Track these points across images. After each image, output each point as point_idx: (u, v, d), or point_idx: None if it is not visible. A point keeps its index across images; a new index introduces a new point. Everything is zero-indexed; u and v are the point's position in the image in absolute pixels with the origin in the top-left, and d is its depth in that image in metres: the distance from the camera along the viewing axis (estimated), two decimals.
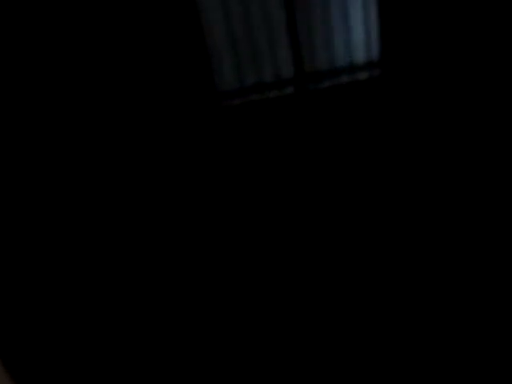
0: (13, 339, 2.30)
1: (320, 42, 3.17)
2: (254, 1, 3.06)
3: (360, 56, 3.21)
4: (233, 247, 3.33)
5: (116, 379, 1.95)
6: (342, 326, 2.13)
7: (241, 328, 2.19)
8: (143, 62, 3.11)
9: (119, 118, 3.22)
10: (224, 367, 1.96)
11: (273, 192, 3.48)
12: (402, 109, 3.24)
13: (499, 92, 3.14)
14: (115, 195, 3.32)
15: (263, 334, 2.13)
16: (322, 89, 3.23)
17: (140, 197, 3.37)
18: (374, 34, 3.13)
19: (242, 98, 3.36)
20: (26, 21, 2.89)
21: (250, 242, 3.35)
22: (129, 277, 2.86)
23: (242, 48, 3.20)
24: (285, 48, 3.20)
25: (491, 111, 3.21)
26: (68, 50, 3.00)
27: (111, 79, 3.12)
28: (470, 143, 3.28)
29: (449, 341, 1.95)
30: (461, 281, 2.34)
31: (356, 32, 3.14)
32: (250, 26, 3.14)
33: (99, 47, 3.02)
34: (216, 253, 3.28)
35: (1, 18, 2.81)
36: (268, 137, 3.36)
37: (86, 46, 3.01)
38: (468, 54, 3.07)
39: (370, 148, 3.36)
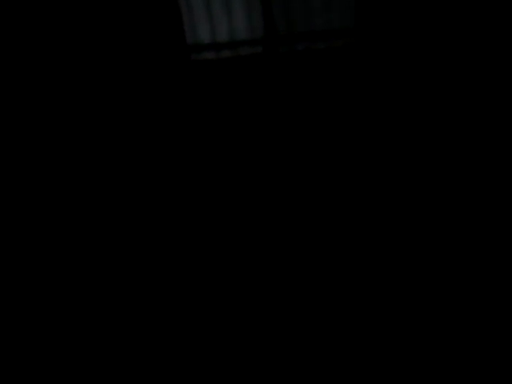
0: (12, 339, 2.32)
1: (296, 3, 3.05)
2: None
3: (336, 22, 3.10)
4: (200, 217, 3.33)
5: (116, 379, 1.99)
6: (341, 326, 2.15)
7: (239, 327, 2.20)
8: (115, 11, 3.00)
9: (94, 73, 3.13)
10: (224, 367, 1.98)
11: (239, 152, 3.45)
12: (376, 78, 3.16)
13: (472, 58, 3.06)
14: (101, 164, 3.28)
15: (262, 333, 2.14)
16: (291, 52, 3.13)
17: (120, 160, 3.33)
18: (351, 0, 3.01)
19: (213, 53, 3.27)
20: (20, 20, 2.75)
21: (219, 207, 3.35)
22: (123, 271, 2.88)
23: (215, 2, 3.08)
24: (258, 6, 3.08)
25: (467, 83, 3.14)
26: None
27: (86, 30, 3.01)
28: (443, 116, 3.23)
29: (447, 341, 1.98)
30: (458, 282, 2.36)
31: None
32: None
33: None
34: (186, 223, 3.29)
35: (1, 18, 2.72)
36: (235, 95, 3.29)
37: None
38: (444, 26, 2.97)
39: (339, 115, 3.30)
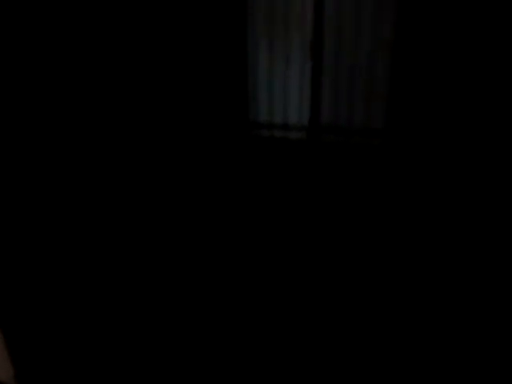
0: (15, 338, 2.47)
1: (341, 99, 3.40)
2: (290, 55, 3.48)
3: (376, 122, 3.33)
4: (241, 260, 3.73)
5: (116, 379, 2.10)
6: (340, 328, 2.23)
7: (240, 329, 2.32)
8: (189, 87, 3.79)
9: (155, 133, 3.95)
10: (223, 367, 2.06)
11: (279, 217, 3.78)
12: (401, 180, 3.24)
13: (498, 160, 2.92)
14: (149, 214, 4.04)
15: (262, 335, 2.26)
16: (332, 142, 3.44)
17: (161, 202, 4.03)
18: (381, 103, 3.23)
19: (270, 131, 3.77)
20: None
21: (257, 256, 3.71)
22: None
23: (275, 89, 3.63)
24: (307, 97, 3.52)
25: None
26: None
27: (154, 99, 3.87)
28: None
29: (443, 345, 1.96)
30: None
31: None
32: (284, 75, 3.55)
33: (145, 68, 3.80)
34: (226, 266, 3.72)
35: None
36: (281, 172, 3.70)
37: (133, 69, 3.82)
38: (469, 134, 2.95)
39: (366, 208, 3.42)
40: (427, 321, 2.17)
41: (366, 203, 3.40)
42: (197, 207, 4.00)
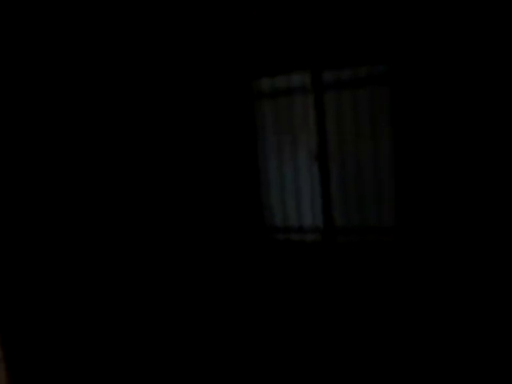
0: (14, 339, 2.46)
1: (352, 201, 3.60)
2: (300, 165, 3.75)
3: (386, 220, 3.51)
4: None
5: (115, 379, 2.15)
6: None
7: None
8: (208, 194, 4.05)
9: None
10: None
11: (298, 313, 3.83)
12: (413, 275, 3.33)
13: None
14: None
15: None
16: (347, 242, 3.60)
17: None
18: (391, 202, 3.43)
19: (286, 234, 3.95)
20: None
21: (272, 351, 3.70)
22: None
23: (288, 195, 3.86)
24: (319, 203, 3.73)
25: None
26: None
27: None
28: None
29: None
30: None
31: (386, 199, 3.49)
32: (295, 181, 3.80)
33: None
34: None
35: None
36: (299, 272, 3.82)
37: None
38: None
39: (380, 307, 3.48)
40: None
41: (380, 299, 3.47)
42: (217, 308, 4.07)
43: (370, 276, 3.52)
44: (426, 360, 3.28)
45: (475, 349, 3.16)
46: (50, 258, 3.19)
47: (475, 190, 3.09)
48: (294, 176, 3.82)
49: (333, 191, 3.65)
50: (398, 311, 3.43)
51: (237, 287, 4.08)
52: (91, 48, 3.61)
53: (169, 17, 3.98)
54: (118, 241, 3.83)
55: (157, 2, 3.95)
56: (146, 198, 4.17)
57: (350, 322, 3.61)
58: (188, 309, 4.17)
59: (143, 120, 4.06)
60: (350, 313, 3.61)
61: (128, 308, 3.82)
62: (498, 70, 2.93)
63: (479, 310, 3.16)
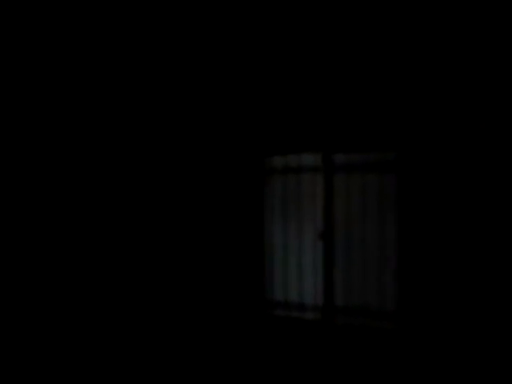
0: (12, 339, 2.45)
1: (355, 282, 3.61)
2: (306, 246, 3.82)
3: (389, 305, 3.49)
4: None
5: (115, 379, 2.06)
6: None
7: None
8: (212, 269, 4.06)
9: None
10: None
11: None
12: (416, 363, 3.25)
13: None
14: None
15: None
16: (346, 324, 3.55)
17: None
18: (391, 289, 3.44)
19: (285, 310, 3.90)
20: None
21: None
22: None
23: (292, 269, 3.88)
24: (321, 281, 3.74)
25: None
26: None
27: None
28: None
29: None
30: None
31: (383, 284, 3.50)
32: (300, 261, 3.84)
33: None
34: None
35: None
36: (296, 350, 3.72)
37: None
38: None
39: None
40: None
41: None
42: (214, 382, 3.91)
43: (369, 361, 3.43)
44: None
45: None
46: (51, 258, 3.15)
47: (481, 279, 3.12)
48: (299, 252, 3.86)
49: (335, 270, 3.67)
50: None
51: (234, 361, 3.95)
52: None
53: (188, 98, 4.26)
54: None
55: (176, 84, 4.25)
56: (153, 263, 4.17)
57: None
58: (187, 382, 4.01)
59: (163, 182, 4.19)
60: None
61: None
62: (498, 167, 3.09)
63: None
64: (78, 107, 3.55)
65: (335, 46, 3.68)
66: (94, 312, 3.69)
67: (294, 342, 3.75)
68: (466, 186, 3.20)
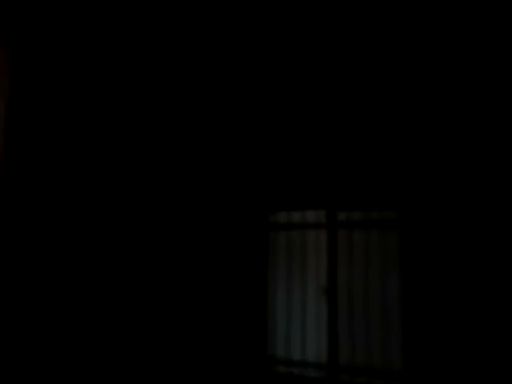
0: (12, 339, 2.41)
1: (359, 340, 3.61)
2: (309, 301, 3.85)
3: (395, 365, 3.48)
4: None
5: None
6: None
7: None
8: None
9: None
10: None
11: None
12: None
13: None
14: None
15: None
16: (351, 382, 3.52)
17: None
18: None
19: (287, 367, 3.86)
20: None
21: None
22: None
23: (295, 326, 3.87)
24: (324, 337, 3.74)
25: None
26: None
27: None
28: None
29: None
30: None
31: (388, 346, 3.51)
32: (304, 317, 3.85)
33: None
34: None
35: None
36: None
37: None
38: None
39: None
40: None
41: None
42: None
43: None
44: None
45: None
46: (53, 259, 3.16)
47: (487, 335, 3.15)
48: (301, 308, 3.87)
49: (339, 327, 3.68)
50: None
51: None
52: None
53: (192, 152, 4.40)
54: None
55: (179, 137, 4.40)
56: (156, 304, 4.15)
57: None
58: None
59: (177, 236, 4.24)
60: None
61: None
62: (497, 222, 3.20)
63: None
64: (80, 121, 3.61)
65: (339, 106, 3.88)
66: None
67: None
68: (466, 243, 3.29)
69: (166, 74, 4.32)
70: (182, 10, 3.48)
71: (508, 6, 3.09)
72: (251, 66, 4.11)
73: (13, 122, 3.06)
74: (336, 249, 3.78)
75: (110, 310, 3.73)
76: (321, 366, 3.72)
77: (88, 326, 3.37)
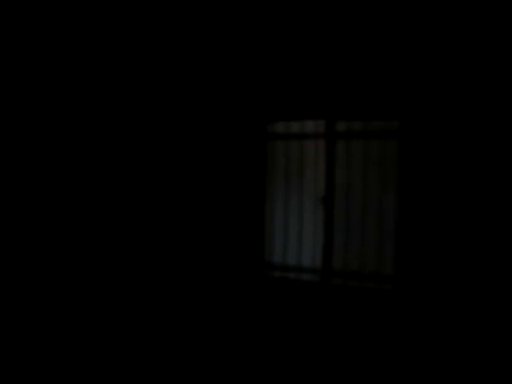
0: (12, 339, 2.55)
1: (352, 249, 3.75)
2: (307, 210, 3.91)
3: (388, 268, 3.65)
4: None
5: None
6: None
7: None
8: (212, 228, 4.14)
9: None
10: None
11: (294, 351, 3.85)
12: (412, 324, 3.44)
13: None
14: None
15: None
16: (343, 286, 3.71)
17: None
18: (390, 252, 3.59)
19: (283, 272, 4.03)
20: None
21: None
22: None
23: (292, 233, 3.99)
24: (320, 245, 3.86)
25: None
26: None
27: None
28: None
29: None
30: None
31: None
32: (301, 225, 3.94)
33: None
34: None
35: None
36: (293, 310, 3.88)
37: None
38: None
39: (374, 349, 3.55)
40: None
41: (375, 345, 3.55)
42: (210, 346, 4.07)
43: (366, 320, 3.61)
44: None
45: None
46: (51, 258, 3.22)
47: (477, 242, 3.28)
48: (298, 216, 3.95)
49: (335, 235, 3.80)
50: (393, 359, 3.51)
51: (232, 321, 4.10)
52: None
53: (190, 64, 4.19)
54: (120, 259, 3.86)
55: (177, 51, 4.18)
56: (152, 227, 4.23)
57: (343, 365, 3.66)
58: (185, 342, 4.16)
59: (160, 153, 4.19)
60: (343, 357, 3.67)
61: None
62: (498, 134, 3.19)
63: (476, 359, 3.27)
64: (78, 107, 3.53)
65: (341, 12, 3.65)
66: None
67: (291, 301, 3.90)
68: (466, 153, 3.29)
69: None
70: None
71: None
72: None
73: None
74: (334, 159, 3.77)
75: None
76: (315, 271, 3.89)
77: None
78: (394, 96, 3.52)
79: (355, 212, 3.73)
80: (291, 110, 3.91)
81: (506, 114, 3.18)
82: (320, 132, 3.85)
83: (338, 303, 3.72)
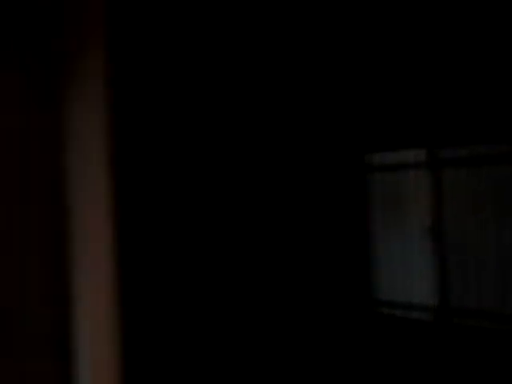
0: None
1: (472, 286, 3.43)
2: (411, 241, 3.70)
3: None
4: None
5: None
6: None
7: None
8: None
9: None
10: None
11: None
12: None
13: None
14: None
15: None
16: (463, 326, 3.40)
17: None
18: None
19: (391, 310, 3.84)
20: None
21: None
22: None
23: (397, 271, 3.79)
24: (433, 280, 3.60)
25: None
26: None
27: None
28: None
29: None
30: None
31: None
32: (407, 260, 3.74)
33: None
34: None
35: None
36: (403, 350, 3.66)
37: None
38: None
39: None
40: None
41: None
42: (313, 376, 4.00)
43: (488, 364, 3.26)
44: None
45: None
46: (183, 257, 3.38)
47: None
48: (403, 251, 3.75)
49: (447, 271, 3.52)
50: None
51: (336, 356, 3.99)
52: None
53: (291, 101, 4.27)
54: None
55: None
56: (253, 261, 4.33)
57: None
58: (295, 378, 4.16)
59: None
60: None
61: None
62: None
63: None
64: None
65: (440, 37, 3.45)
66: None
67: (401, 340, 3.69)
68: None
69: None
70: None
71: None
72: None
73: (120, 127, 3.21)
74: (441, 189, 3.52)
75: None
76: (428, 309, 3.63)
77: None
78: (504, 118, 3.20)
79: (468, 246, 3.42)
80: (391, 140, 3.76)
81: None
82: (423, 161, 3.64)
83: (453, 343, 3.42)
